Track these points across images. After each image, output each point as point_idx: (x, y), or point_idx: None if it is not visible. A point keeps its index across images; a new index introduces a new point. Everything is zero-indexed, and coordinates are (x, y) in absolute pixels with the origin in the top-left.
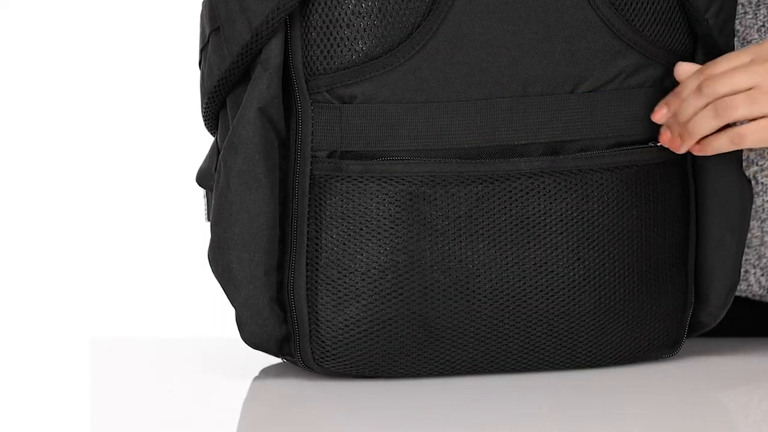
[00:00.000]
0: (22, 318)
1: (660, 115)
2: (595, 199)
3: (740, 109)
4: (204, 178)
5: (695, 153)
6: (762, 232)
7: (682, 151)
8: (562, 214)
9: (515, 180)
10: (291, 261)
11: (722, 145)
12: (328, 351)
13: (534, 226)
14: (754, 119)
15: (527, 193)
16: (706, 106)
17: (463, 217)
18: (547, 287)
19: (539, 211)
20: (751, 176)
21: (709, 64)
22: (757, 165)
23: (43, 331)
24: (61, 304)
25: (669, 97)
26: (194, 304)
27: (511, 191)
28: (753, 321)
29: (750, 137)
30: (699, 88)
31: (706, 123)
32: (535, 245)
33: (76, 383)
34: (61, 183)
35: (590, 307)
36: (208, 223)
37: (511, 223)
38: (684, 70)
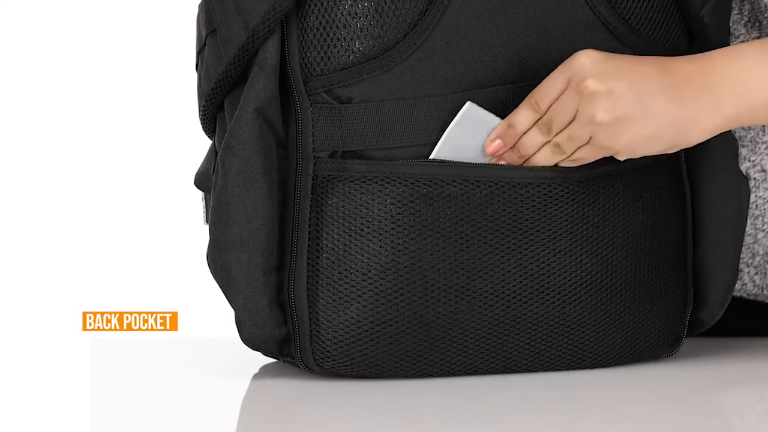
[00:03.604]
0: (22, 318)
1: (494, 148)
2: (599, 204)
3: (582, 151)
4: (202, 180)
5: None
6: (755, 229)
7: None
8: (565, 220)
9: (522, 188)
10: (291, 262)
11: (566, 164)
12: (328, 352)
13: (537, 231)
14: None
15: (532, 200)
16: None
17: (464, 220)
18: (548, 290)
19: (543, 216)
20: (744, 172)
21: (534, 93)
22: (749, 161)
23: (43, 330)
24: (62, 304)
25: (502, 130)
26: (194, 304)
27: (515, 197)
28: (748, 320)
29: (585, 158)
30: (537, 128)
31: (549, 160)
32: (537, 249)
33: (76, 383)
34: (60, 184)
35: (591, 309)
36: (207, 226)
37: (514, 227)
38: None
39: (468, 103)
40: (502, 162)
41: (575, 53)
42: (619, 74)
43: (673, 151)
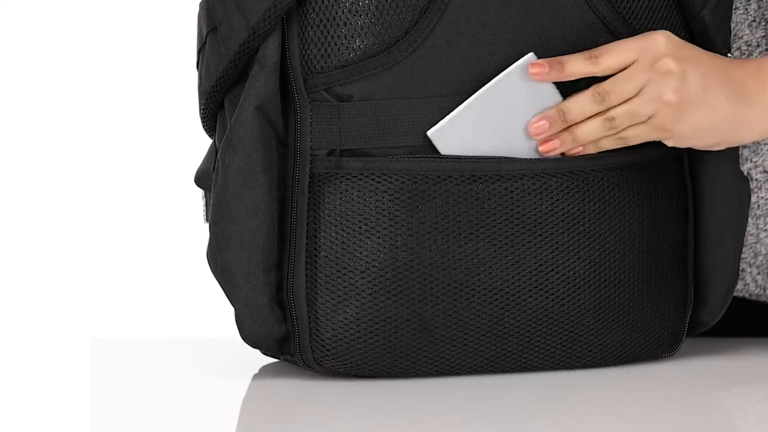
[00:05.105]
0: (23, 318)
1: (538, 126)
2: (596, 199)
3: (635, 129)
4: (202, 178)
5: (574, 153)
6: (757, 229)
7: (558, 152)
8: (562, 214)
9: (517, 180)
10: (290, 260)
11: (607, 144)
12: (328, 350)
13: (534, 225)
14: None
15: (528, 193)
16: (596, 113)
17: (462, 216)
18: (547, 286)
19: (540, 210)
20: (746, 173)
21: (594, 50)
22: (751, 162)
23: (44, 331)
24: (62, 304)
25: (552, 63)
26: (194, 304)
27: (512, 191)
28: (750, 321)
29: (634, 138)
30: (590, 93)
31: (596, 133)
32: (535, 244)
33: (76, 383)
34: (62, 183)
35: (590, 306)
36: (207, 224)
37: (512, 222)
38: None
39: (530, 54)
40: (543, 126)
41: (651, 31)
42: (693, 60)
43: (720, 148)
